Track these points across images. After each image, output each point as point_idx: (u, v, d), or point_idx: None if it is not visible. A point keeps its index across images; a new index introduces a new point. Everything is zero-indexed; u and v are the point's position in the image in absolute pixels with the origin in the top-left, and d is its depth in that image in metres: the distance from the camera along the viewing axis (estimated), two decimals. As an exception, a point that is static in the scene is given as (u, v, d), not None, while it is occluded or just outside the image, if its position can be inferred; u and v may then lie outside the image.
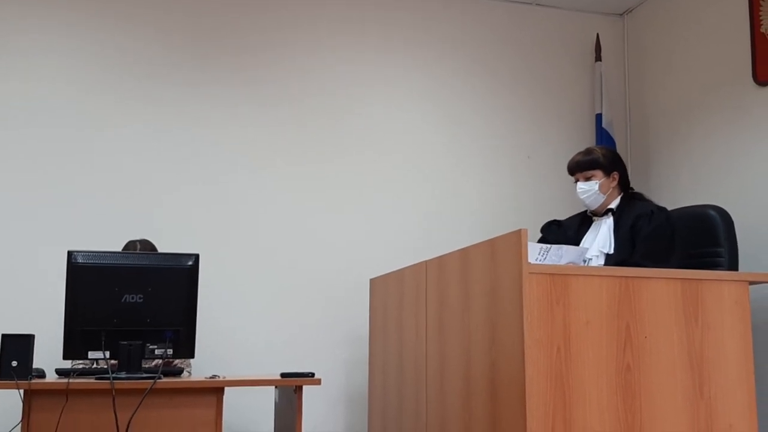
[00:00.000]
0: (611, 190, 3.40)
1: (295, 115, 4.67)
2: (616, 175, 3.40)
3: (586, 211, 3.51)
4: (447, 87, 4.96)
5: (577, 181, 3.44)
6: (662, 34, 4.88)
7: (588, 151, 3.49)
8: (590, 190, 3.38)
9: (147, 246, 3.83)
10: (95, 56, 4.42)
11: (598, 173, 3.38)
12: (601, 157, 3.41)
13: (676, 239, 3.21)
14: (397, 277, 3.79)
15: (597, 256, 3.29)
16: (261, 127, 4.61)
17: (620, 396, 2.67)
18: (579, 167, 3.43)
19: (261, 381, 3.29)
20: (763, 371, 3.57)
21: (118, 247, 3.83)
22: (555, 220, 3.64)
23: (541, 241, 3.56)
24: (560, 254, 3.06)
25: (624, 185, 3.45)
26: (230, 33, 4.65)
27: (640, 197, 3.43)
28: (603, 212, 3.41)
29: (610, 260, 3.23)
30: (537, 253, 2.88)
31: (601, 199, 3.39)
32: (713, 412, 2.78)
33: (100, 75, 4.41)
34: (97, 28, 4.44)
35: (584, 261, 3.32)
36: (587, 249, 3.32)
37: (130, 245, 3.82)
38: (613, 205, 3.39)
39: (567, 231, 3.52)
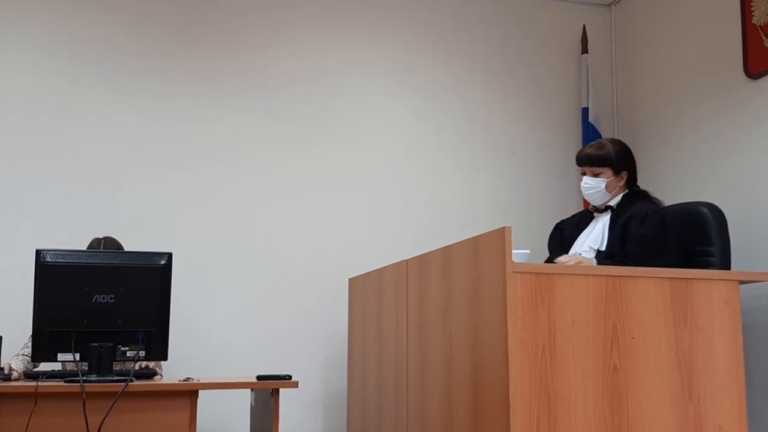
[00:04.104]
0: (617, 188, 3.30)
1: (273, 109, 4.57)
2: (624, 174, 3.30)
3: (590, 207, 3.42)
4: (429, 80, 4.87)
5: (583, 174, 3.33)
6: (651, 25, 4.83)
7: (600, 145, 3.34)
8: (596, 188, 3.28)
9: (111, 244, 3.72)
10: (71, 48, 4.31)
11: (608, 171, 3.27)
12: (613, 154, 3.28)
13: (668, 244, 3.13)
14: (377, 276, 3.75)
15: (586, 251, 3.22)
16: (236, 120, 4.50)
17: (606, 398, 2.64)
18: (589, 161, 3.30)
19: (236, 384, 3.29)
20: (753, 372, 3.55)
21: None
22: (558, 225, 3.54)
23: (549, 249, 3.49)
24: None
25: (631, 183, 3.35)
26: (208, 22, 4.55)
27: (644, 196, 3.31)
28: (603, 208, 3.32)
29: (599, 257, 3.17)
30: None
31: (606, 197, 3.30)
32: (702, 414, 2.75)
33: (77, 67, 4.30)
34: (69, 17, 4.34)
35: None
36: None
37: (94, 242, 3.72)
38: (613, 202, 3.30)
39: (565, 231, 3.46)
